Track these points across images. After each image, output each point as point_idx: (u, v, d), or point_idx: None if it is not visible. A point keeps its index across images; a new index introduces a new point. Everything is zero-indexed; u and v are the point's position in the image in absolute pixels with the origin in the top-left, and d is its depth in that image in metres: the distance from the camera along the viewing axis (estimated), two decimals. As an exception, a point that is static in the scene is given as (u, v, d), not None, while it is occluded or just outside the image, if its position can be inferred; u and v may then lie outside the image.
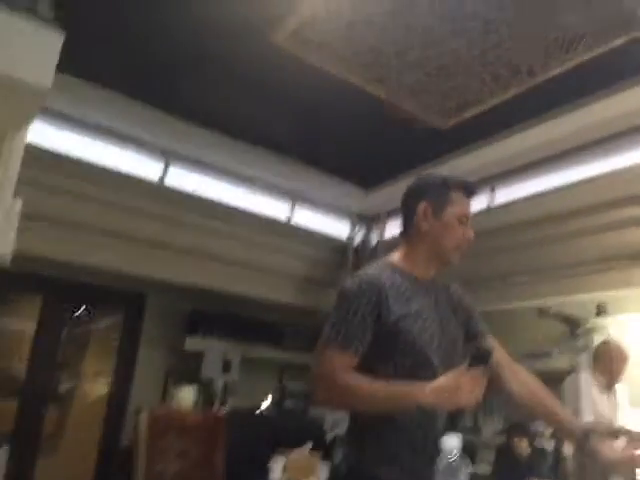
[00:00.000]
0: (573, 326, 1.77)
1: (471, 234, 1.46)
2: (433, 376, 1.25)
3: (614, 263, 4.11)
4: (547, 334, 4.90)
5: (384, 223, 5.85)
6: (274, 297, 5.30)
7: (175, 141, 4.59)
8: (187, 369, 5.15)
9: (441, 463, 0.98)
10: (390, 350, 1.33)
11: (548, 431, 4.22)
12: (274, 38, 3.27)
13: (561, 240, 4.31)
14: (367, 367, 1.30)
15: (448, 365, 1.30)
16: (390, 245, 5.61)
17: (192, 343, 5.15)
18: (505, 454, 3.94)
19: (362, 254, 5.86)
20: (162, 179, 4.60)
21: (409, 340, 1.33)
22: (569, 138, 3.99)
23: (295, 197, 5.39)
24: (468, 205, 1.49)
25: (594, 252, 4.17)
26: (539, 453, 3.99)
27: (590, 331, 3.96)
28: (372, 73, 3.54)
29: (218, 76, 3.76)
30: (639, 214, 3.87)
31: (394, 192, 5.24)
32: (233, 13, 3.10)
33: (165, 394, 5.12)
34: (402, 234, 1.54)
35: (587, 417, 2.88)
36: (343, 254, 5.80)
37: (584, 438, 1.36)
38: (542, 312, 1.73)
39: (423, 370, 1.32)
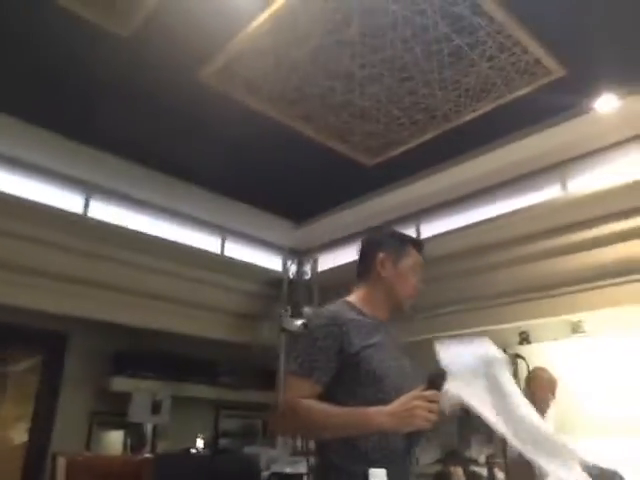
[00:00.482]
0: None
1: (422, 285, 1.60)
2: None
3: (531, 294, 4.36)
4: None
5: (316, 256, 5.93)
6: (206, 333, 5.20)
7: (101, 175, 4.49)
8: (114, 412, 4.94)
9: None
10: (352, 381, 1.39)
11: (482, 458, 4.34)
12: (202, 74, 3.31)
13: (482, 272, 4.53)
14: (330, 400, 1.35)
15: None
16: (323, 278, 5.69)
17: (118, 384, 4.93)
18: (441, 481, 4.00)
19: (296, 287, 5.90)
20: (85, 212, 4.47)
21: (370, 370, 1.40)
22: (485, 177, 4.26)
23: (225, 231, 5.39)
24: (420, 259, 1.63)
25: (512, 284, 4.41)
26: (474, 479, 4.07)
27: (514, 359, 4.12)
28: (298, 112, 3.65)
29: (146, 111, 3.74)
30: (550, 247, 4.14)
31: (325, 226, 5.43)
32: (161, 49, 3.12)
33: (90, 439, 4.87)
34: (360, 278, 1.64)
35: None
36: (277, 288, 5.81)
37: None
38: None
39: (383, 402, 1.35)
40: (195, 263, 5.05)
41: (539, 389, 3.19)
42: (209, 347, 5.49)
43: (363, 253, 1.67)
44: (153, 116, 3.82)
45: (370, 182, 4.58)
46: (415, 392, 1.25)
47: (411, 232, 4.92)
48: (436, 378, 1.27)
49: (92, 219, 4.49)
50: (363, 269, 1.64)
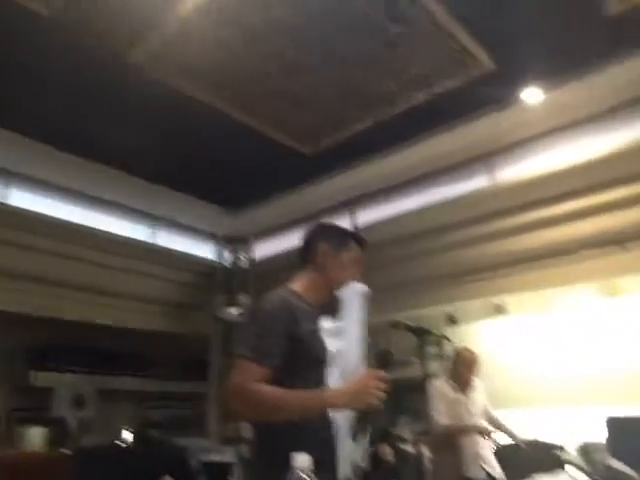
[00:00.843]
0: (423, 336, 1.90)
1: (360, 277, 1.66)
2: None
3: (458, 278, 4.53)
4: (404, 345, 5.23)
5: (252, 245, 5.87)
6: (135, 324, 5.02)
7: (22, 161, 4.22)
8: (35, 407, 4.67)
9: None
10: (298, 365, 1.42)
11: (409, 436, 4.47)
12: (132, 57, 3.16)
13: (413, 258, 4.65)
14: (277, 384, 1.36)
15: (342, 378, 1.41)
16: (259, 266, 5.64)
17: (39, 378, 4.68)
18: (372, 461, 4.07)
19: (232, 276, 5.81)
20: (3, 199, 4.19)
21: (313, 354, 1.46)
22: (417, 167, 4.36)
23: (156, 220, 5.21)
24: (361, 254, 1.69)
25: (441, 269, 4.56)
26: (402, 457, 4.18)
27: (441, 340, 4.27)
28: (233, 98, 3.57)
29: (70, 93, 3.54)
30: (477, 234, 4.31)
31: (260, 214, 5.36)
32: (86, 30, 2.94)
33: (11, 436, 4.58)
34: (301, 267, 1.68)
35: (443, 419, 3.12)
36: (212, 277, 5.70)
37: None
38: (395, 324, 1.85)
39: (324, 384, 1.43)
40: (123, 252, 4.84)
41: (463, 367, 3.31)
42: (138, 338, 5.30)
43: (306, 243, 1.70)
44: (78, 99, 3.62)
45: (306, 170, 4.57)
46: (369, 371, 1.29)
47: (346, 220, 4.96)
48: (383, 358, 1.28)
49: (10, 206, 4.21)
50: (305, 258, 1.67)
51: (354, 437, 1.22)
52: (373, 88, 3.48)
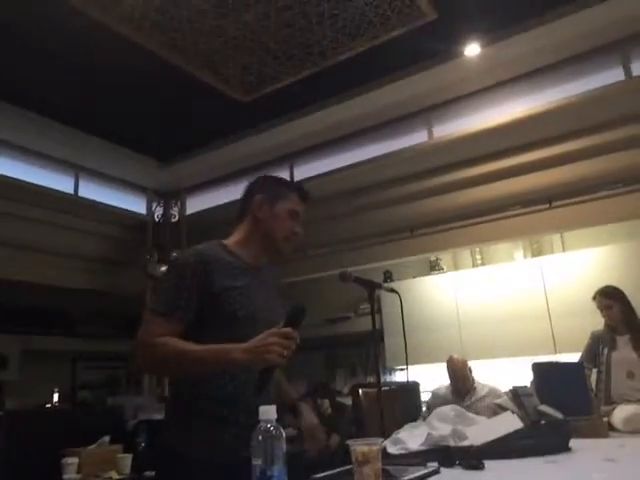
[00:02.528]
0: (372, 289, 1.89)
1: (300, 230, 1.58)
2: None
3: (395, 235, 4.61)
4: (346, 300, 5.34)
5: (184, 198, 5.65)
6: (60, 282, 4.75)
7: None
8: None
9: (258, 433, 0.97)
10: (212, 322, 1.39)
11: (346, 389, 4.61)
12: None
13: (352, 215, 4.67)
14: (190, 340, 1.34)
15: None
16: (192, 221, 5.46)
17: (-46, 340, 4.37)
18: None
19: (163, 231, 5.59)
20: None
21: (230, 312, 1.40)
22: (357, 120, 4.29)
23: (79, 170, 4.85)
24: (301, 206, 1.61)
25: (379, 226, 4.62)
26: (340, 410, 4.31)
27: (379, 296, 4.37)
28: (164, 37, 3.30)
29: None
30: (414, 190, 4.37)
31: (193, 166, 5.13)
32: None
33: None
34: (238, 221, 1.63)
35: None
36: (141, 231, 5.46)
37: (295, 406, 1.58)
38: (343, 276, 1.82)
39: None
40: (45, 204, 4.51)
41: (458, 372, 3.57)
42: (65, 296, 5.03)
43: (244, 195, 1.65)
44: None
45: (242, 120, 4.38)
46: (272, 329, 1.25)
47: (285, 174, 4.86)
48: (294, 315, 1.27)
49: None
50: (241, 212, 1.62)
51: (257, 392, 1.22)
52: (311, 36, 3.34)
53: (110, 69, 3.65)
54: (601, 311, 2.88)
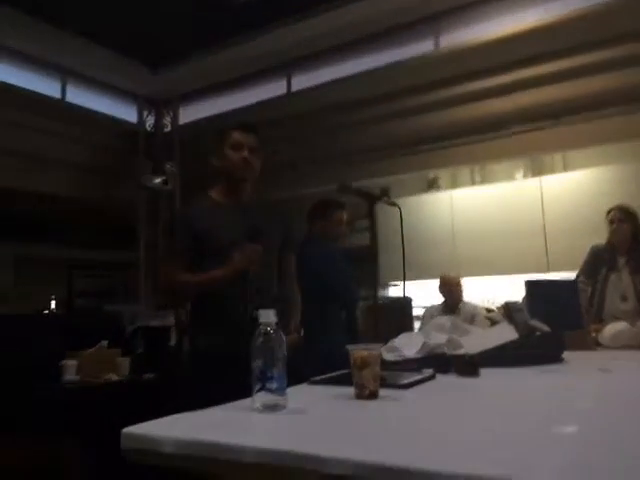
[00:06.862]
0: (372, 203, 1.83)
1: (246, 155, 1.86)
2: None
3: (393, 150, 4.49)
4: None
5: (177, 107, 5.44)
6: (51, 189, 4.65)
7: None
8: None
9: (258, 335, 1.04)
10: (202, 257, 1.81)
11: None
12: None
13: (351, 128, 4.51)
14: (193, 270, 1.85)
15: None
16: (186, 132, 5.29)
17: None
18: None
19: (155, 140, 5.44)
20: None
21: (214, 246, 1.80)
22: (359, 26, 4.04)
23: (66, 73, 4.61)
24: (244, 137, 1.88)
25: (378, 140, 4.48)
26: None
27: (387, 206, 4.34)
28: None
29: None
30: (416, 104, 4.21)
31: (187, 73, 4.88)
32: None
33: None
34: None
35: None
36: (133, 141, 5.30)
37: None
38: (342, 188, 1.76)
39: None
40: (31, 109, 4.32)
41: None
42: (58, 204, 4.96)
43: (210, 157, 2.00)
44: None
45: (238, 23, 4.12)
46: (246, 247, 1.73)
47: (282, 84, 4.66)
48: (254, 235, 1.73)
49: None
50: (212, 174, 1.97)
51: (244, 299, 1.70)
52: None
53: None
54: (611, 224, 2.83)
